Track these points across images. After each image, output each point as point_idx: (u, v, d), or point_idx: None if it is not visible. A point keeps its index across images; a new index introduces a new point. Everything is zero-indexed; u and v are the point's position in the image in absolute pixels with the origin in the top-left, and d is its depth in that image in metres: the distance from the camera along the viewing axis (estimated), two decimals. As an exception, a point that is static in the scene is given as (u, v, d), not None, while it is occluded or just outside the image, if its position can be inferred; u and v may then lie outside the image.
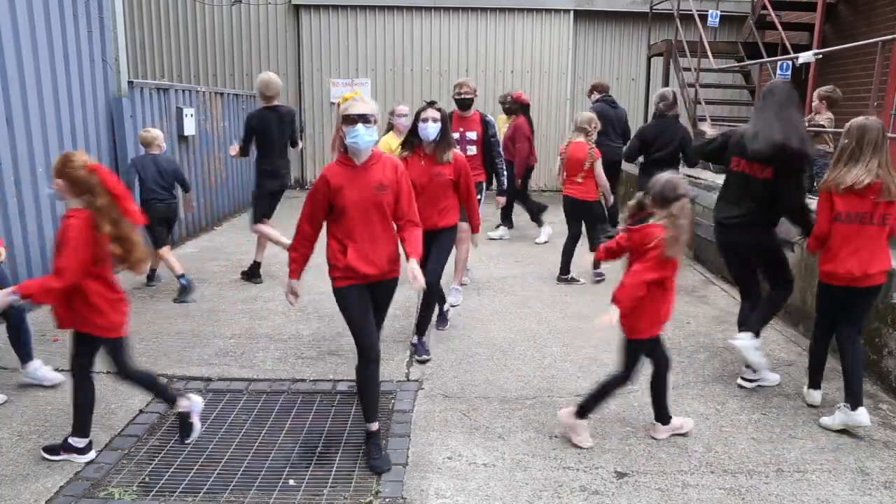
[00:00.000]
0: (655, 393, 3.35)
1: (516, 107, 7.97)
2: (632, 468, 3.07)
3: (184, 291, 5.54)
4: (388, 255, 3.07)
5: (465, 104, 5.44)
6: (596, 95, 8.28)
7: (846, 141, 3.38)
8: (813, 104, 6.08)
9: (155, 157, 5.68)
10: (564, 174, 6.24)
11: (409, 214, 3.13)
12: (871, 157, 3.29)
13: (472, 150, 5.46)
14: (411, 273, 2.99)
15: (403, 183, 3.10)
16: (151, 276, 5.98)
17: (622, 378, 3.23)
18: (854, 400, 3.37)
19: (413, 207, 3.16)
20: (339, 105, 3.06)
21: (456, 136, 4.92)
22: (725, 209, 4.16)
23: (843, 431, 3.43)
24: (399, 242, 3.14)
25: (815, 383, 3.75)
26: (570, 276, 6.25)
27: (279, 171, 6.05)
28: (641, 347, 3.23)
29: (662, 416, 3.36)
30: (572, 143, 6.14)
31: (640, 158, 6.51)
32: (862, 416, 3.34)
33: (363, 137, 2.94)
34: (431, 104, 4.18)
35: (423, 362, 4.26)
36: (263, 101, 5.94)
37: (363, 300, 3.06)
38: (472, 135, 5.49)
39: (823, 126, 5.83)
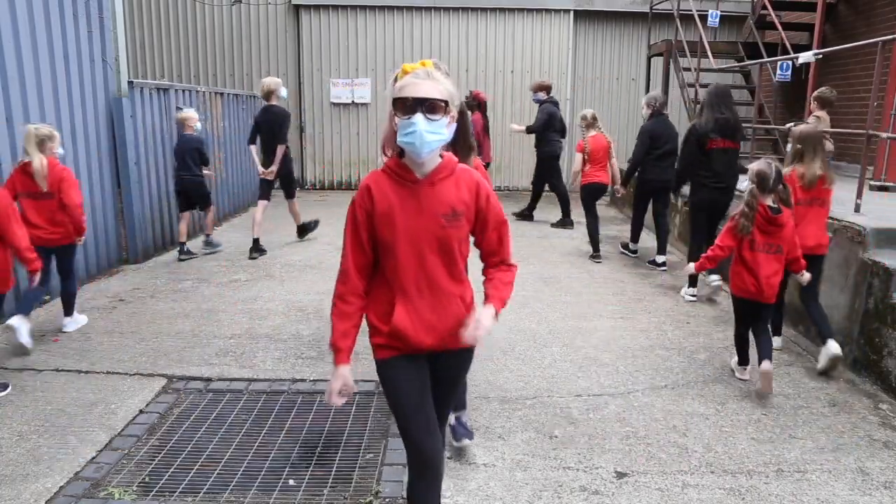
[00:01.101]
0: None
1: (475, 104, 8.64)
2: (632, 468, 3.07)
3: (209, 245, 7.17)
4: (456, 317, 2.07)
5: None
6: (542, 95, 9.09)
7: (799, 146, 4.32)
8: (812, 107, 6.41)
9: (182, 136, 6.87)
10: (588, 166, 7.05)
11: (501, 252, 2.18)
12: (818, 156, 4.27)
13: None
14: (477, 322, 2.03)
15: (490, 208, 2.08)
16: (209, 243, 7.22)
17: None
18: (823, 337, 4.17)
19: (507, 243, 2.19)
20: (394, 80, 2.08)
21: None
22: (714, 178, 5.46)
23: (843, 432, 3.43)
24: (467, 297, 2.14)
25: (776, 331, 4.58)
26: (600, 253, 7.10)
27: (266, 165, 7.16)
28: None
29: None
30: (593, 136, 6.93)
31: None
32: (832, 345, 4.10)
33: (423, 136, 1.90)
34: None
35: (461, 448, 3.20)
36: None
37: (417, 379, 2.11)
38: None
39: (819, 120, 6.09)
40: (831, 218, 4.68)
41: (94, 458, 3.08)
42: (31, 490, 2.83)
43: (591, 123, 7.15)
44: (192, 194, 6.88)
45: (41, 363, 4.12)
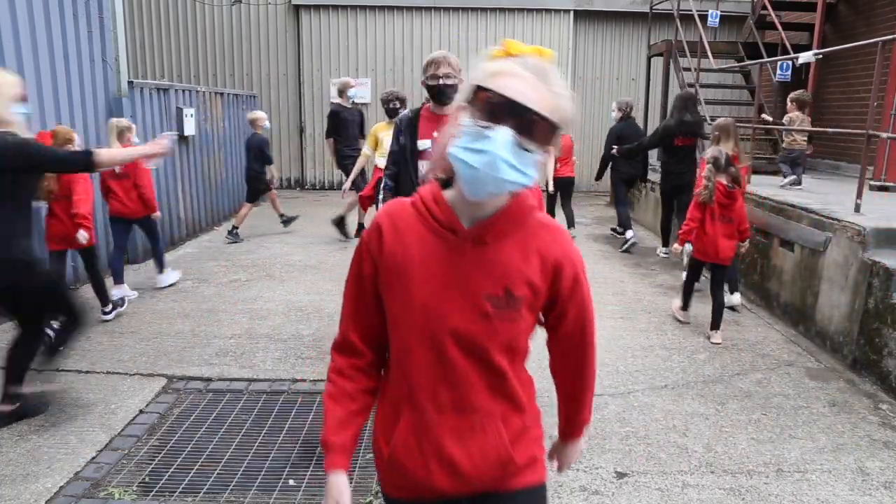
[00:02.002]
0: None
1: None
2: (632, 468, 3.07)
3: (231, 235, 7.79)
4: (496, 452, 1.33)
5: (442, 94, 3.05)
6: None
7: (717, 133, 5.26)
8: (788, 109, 6.98)
9: (251, 135, 7.78)
10: (558, 163, 7.72)
11: (583, 343, 1.43)
12: (730, 140, 5.18)
13: None
14: (560, 460, 1.60)
15: (574, 298, 1.35)
16: (232, 234, 7.81)
17: None
18: (731, 289, 5.30)
19: (590, 331, 1.42)
20: (487, 64, 1.26)
21: (427, 145, 3.02)
22: (677, 168, 6.76)
23: (843, 432, 3.44)
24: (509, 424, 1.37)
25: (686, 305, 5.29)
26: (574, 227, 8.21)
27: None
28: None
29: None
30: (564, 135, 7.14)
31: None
32: (734, 297, 5.39)
33: (499, 166, 1.15)
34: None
35: None
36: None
37: None
38: None
39: (791, 120, 6.83)
40: (831, 218, 4.71)
41: (94, 458, 3.08)
42: (31, 490, 2.83)
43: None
44: (248, 186, 7.90)
45: (41, 363, 4.11)
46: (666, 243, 7.29)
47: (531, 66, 1.22)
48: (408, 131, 3.10)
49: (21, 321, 3.34)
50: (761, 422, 3.54)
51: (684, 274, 5.85)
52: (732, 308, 5.37)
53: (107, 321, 4.88)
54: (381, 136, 5.96)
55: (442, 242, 1.27)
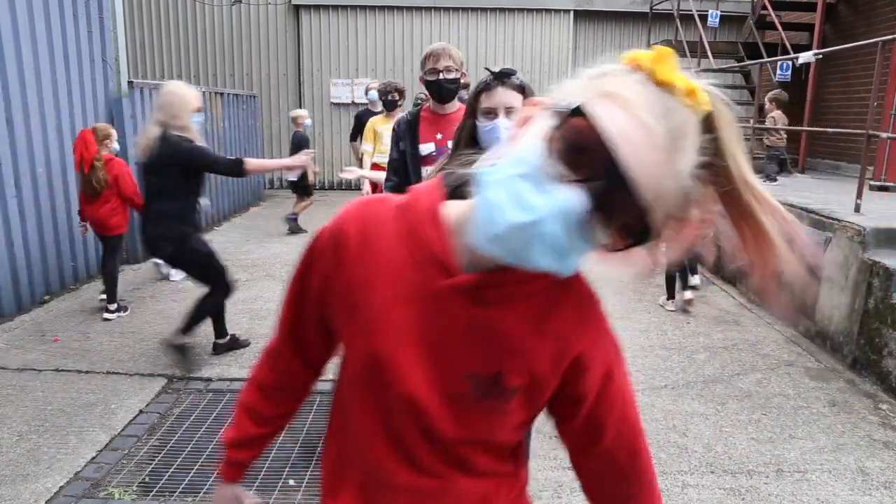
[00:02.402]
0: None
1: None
2: (632, 468, 3.07)
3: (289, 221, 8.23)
4: None
5: (443, 90, 2.72)
6: None
7: None
8: (764, 105, 7.31)
9: (293, 134, 8.33)
10: None
11: (632, 470, 1.11)
12: None
13: None
14: None
15: (606, 398, 0.94)
16: (290, 221, 8.27)
17: None
18: (692, 271, 5.55)
19: (643, 457, 1.10)
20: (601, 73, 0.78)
21: (430, 149, 2.74)
22: None
23: (843, 432, 3.44)
24: None
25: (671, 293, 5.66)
26: None
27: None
28: None
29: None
30: None
31: None
32: (695, 279, 5.64)
33: (539, 239, 0.70)
34: (504, 76, 2.17)
35: None
36: None
37: None
38: None
39: (775, 120, 7.05)
40: (831, 218, 4.71)
41: (94, 458, 3.08)
42: (31, 490, 2.82)
43: None
44: (297, 184, 8.27)
45: (41, 363, 4.12)
46: None
47: (668, 114, 0.70)
48: (407, 135, 2.78)
49: (198, 280, 4.17)
50: (761, 422, 3.54)
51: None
52: (694, 287, 5.63)
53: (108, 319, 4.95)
54: (380, 130, 5.46)
55: (424, 280, 0.84)
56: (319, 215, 9.12)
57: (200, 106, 3.99)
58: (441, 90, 2.73)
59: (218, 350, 4.33)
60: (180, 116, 3.80)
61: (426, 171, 2.79)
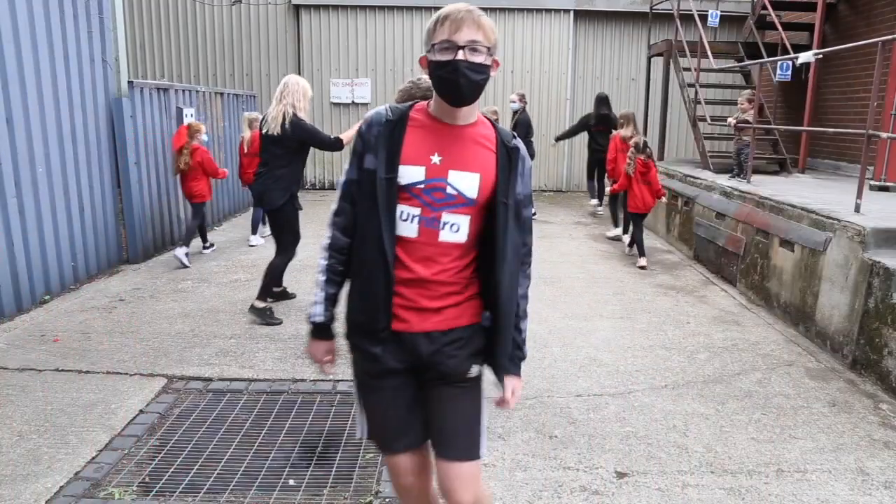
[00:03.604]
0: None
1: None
2: (632, 468, 3.07)
3: None
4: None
5: (465, 82, 1.68)
6: (521, 104, 9.86)
7: (622, 121, 7.94)
8: (740, 105, 7.50)
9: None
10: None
11: None
12: (629, 125, 7.79)
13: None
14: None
15: None
16: None
17: None
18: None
19: None
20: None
21: (416, 176, 1.74)
22: (596, 146, 9.50)
23: (843, 432, 3.44)
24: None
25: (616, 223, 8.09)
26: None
27: None
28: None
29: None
30: None
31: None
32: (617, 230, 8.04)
33: None
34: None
35: None
36: None
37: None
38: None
39: (748, 121, 7.22)
40: (831, 218, 4.72)
41: (94, 458, 3.08)
42: (31, 490, 2.83)
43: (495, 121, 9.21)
44: None
45: (41, 363, 4.12)
46: (594, 197, 10.15)
47: None
48: (382, 144, 1.76)
49: (276, 237, 5.03)
50: (761, 422, 3.54)
51: (593, 203, 10.20)
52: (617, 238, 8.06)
53: (205, 253, 6.98)
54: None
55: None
56: (321, 215, 9.11)
57: (311, 95, 4.91)
58: (458, 80, 1.67)
59: (253, 310, 4.98)
60: (301, 102, 4.70)
61: (402, 212, 1.75)
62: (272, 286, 5.07)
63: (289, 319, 5.02)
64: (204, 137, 6.75)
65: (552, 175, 12.63)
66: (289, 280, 5.58)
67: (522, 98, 9.44)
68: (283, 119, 4.64)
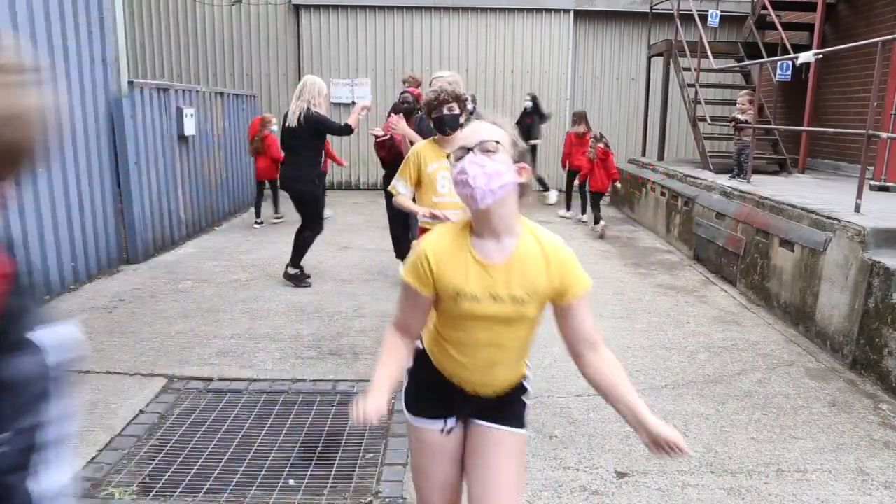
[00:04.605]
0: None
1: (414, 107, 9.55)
2: (632, 468, 3.07)
3: None
4: None
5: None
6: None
7: (575, 118, 9.43)
8: (739, 104, 7.56)
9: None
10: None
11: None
12: (581, 123, 9.21)
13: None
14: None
15: None
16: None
17: None
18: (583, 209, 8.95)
19: None
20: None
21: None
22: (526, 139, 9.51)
23: (843, 432, 3.44)
24: None
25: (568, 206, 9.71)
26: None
27: None
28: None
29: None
30: None
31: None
32: (585, 216, 9.17)
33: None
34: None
35: None
36: None
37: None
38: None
39: (748, 121, 7.28)
40: (831, 218, 4.72)
41: (94, 458, 3.08)
42: (31, 490, 2.82)
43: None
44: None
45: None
46: (546, 188, 10.92)
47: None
48: None
49: (303, 219, 5.87)
50: (761, 422, 3.54)
51: (552, 195, 10.82)
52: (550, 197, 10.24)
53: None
54: (429, 166, 3.53)
55: None
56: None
57: (327, 93, 5.71)
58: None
59: (287, 276, 5.88)
60: (316, 99, 5.46)
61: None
62: (302, 253, 5.91)
63: (288, 320, 5.02)
64: (274, 128, 8.21)
65: (552, 175, 12.63)
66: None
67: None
68: (300, 114, 5.42)
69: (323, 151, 5.99)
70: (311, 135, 5.53)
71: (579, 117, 9.30)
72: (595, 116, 12.49)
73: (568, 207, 9.77)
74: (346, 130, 5.62)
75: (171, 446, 3.20)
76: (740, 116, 7.47)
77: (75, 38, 5.81)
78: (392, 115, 4.99)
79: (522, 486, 1.89)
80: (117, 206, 6.53)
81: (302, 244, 5.85)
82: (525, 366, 1.94)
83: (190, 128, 7.80)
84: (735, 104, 10.55)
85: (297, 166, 5.58)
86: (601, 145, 8.35)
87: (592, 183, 8.52)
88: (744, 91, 7.88)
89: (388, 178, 5.43)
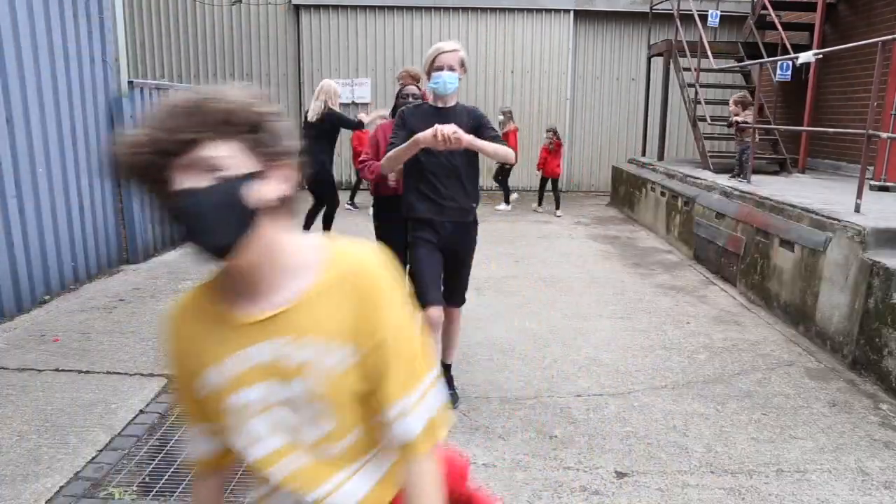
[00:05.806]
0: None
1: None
2: (632, 468, 3.07)
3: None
4: None
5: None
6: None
7: (503, 117, 9.99)
8: (731, 110, 7.55)
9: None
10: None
11: None
12: (511, 120, 10.11)
13: None
14: None
15: None
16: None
17: None
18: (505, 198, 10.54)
19: None
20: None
21: None
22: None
23: (843, 432, 3.44)
24: None
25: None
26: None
27: None
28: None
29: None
30: None
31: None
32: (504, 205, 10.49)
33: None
34: None
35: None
36: None
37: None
38: None
39: (747, 122, 7.30)
40: (831, 218, 4.72)
41: (94, 458, 3.08)
42: (31, 490, 2.82)
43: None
44: None
45: (41, 363, 4.12)
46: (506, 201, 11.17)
47: None
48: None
49: (322, 199, 6.94)
50: (761, 422, 3.54)
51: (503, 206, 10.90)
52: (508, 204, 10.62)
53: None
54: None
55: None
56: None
57: (340, 94, 6.81)
58: None
59: None
60: (332, 99, 6.51)
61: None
62: (329, 226, 7.05)
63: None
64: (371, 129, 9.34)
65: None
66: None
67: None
68: (320, 111, 6.50)
69: (336, 143, 6.95)
70: (329, 128, 6.57)
71: (508, 116, 10.23)
72: (595, 116, 12.54)
73: (507, 200, 10.69)
74: (359, 126, 6.76)
75: (171, 446, 3.20)
76: (737, 119, 7.47)
77: (75, 38, 5.81)
78: (394, 118, 4.01)
79: None
80: (117, 206, 6.53)
81: (328, 219, 6.97)
82: None
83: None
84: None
85: (313, 155, 6.38)
86: (555, 138, 10.06)
87: (547, 169, 10.12)
88: (735, 95, 7.84)
89: (378, 215, 4.40)
